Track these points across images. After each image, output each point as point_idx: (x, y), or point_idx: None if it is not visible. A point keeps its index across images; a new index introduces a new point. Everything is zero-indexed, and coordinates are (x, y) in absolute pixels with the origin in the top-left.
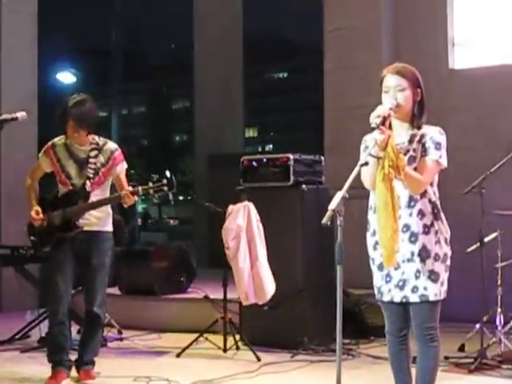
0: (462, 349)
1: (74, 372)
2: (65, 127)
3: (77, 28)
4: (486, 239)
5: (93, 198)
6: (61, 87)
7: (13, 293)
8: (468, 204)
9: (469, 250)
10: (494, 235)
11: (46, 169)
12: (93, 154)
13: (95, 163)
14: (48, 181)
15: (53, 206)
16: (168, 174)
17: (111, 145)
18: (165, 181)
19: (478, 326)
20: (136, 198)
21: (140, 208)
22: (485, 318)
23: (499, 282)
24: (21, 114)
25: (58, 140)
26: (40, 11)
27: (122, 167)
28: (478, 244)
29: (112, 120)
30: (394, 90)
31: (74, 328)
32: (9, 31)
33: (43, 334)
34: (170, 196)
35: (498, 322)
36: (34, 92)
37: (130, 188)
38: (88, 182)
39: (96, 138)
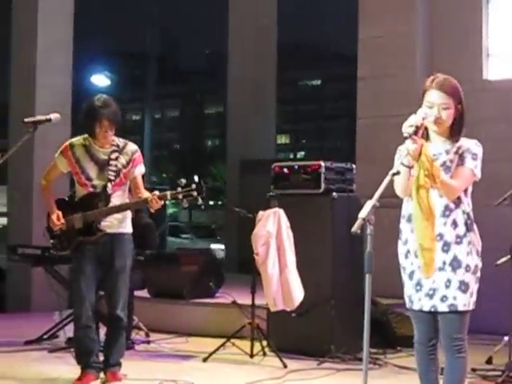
0: (489, 361)
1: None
2: (93, 128)
3: (113, 31)
4: None
5: (113, 200)
6: (95, 90)
7: (42, 293)
8: (499, 216)
9: (498, 262)
10: None
11: (63, 169)
12: (113, 156)
13: (116, 165)
14: None
15: (72, 208)
16: (197, 178)
17: (132, 146)
18: (194, 186)
19: (506, 338)
20: (162, 202)
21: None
22: None
23: None
24: (54, 116)
25: (76, 140)
26: (76, 13)
27: (140, 169)
28: (509, 256)
29: (145, 123)
30: (439, 108)
31: (103, 329)
32: (45, 32)
33: (71, 335)
34: (200, 201)
35: None
36: (68, 93)
37: (157, 192)
38: (109, 184)
39: (116, 139)
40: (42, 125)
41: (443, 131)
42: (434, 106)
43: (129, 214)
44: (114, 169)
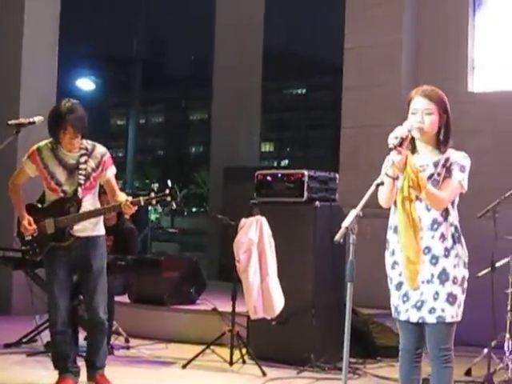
0: (468, 373)
1: (83, 376)
2: (58, 133)
3: (99, 36)
4: (498, 264)
5: (84, 204)
6: (80, 94)
7: (22, 296)
8: (481, 228)
9: (480, 274)
10: (505, 260)
11: (31, 174)
12: (82, 159)
13: (85, 169)
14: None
15: (43, 213)
16: (170, 183)
17: (100, 149)
18: (167, 191)
19: (485, 350)
20: (136, 207)
21: (153, 217)
22: (493, 343)
23: (509, 308)
24: (38, 119)
25: (44, 145)
26: (62, 17)
27: (111, 171)
28: (490, 268)
29: (129, 128)
30: (422, 113)
31: (82, 334)
32: (30, 35)
33: (50, 339)
34: (174, 206)
35: (506, 348)
36: (52, 97)
37: (130, 198)
38: (79, 189)
39: (84, 142)
40: (24, 127)
41: (428, 139)
42: (418, 111)
43: (101, 216)
44: (83, 173)
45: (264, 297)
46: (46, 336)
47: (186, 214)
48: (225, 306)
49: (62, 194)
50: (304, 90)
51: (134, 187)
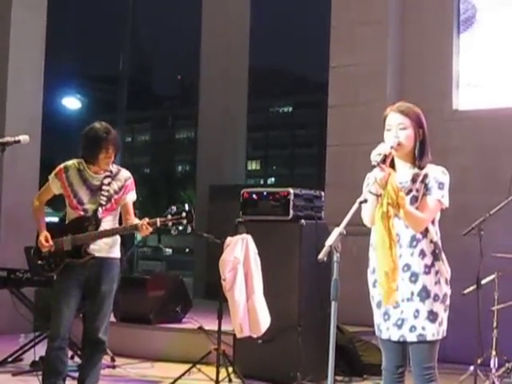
0: None
1: None
2: (97, 154)
3: (84, 55)
4: (484, 281)
5: (104, 225)
6: (66, 112)
7: (7, 315)
8: (466, 245)
9: (465, 291)
10: (491, 277)
11: (55, 191)
12: (106, 181)
13: (108, 190)
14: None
15: (61, 230)
16: (187, 207)
17: (125, 173)
18: (184, 214)
19: (471, 368)
20: (152, 228)
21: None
22: (479, 361)
23: (495, 325)
24: (23, 138)
25: (71, 164)
26: (48, 36)
27: (132, 195)
28: (475, 286)
29: None
30: (396, 128)
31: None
32: (16, 54)
33: (36, 358)
34: (189, 229)
35: (492, 365)
36: (38, 115)
37: (147, 219)
38: (100, 209)
39: (110, 166)
40: (10, 146)
41: (406, 156)
42: (392, 127)
43: (118, 239)
44: (105, 194)
45: (250, 315)
46: (31, 355)
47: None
48: (211, 325)
49: (82, 213)
50: (290, 108)
51: None
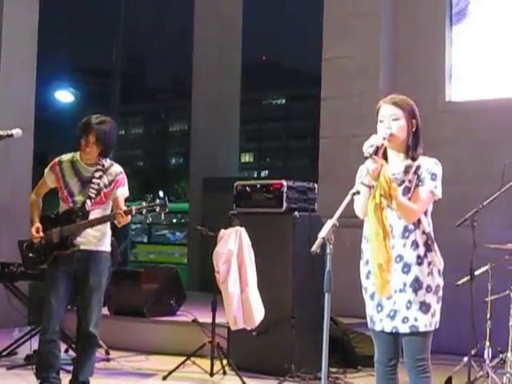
0: (449, 382)
1: None
2: (80, 140)
3: (78, 47)
4: (477, 272)
5: (92, 218)
6: (59, 105)
7: (1, 309)
8: (460, 237)
9: (459, 282)
10: (484, 268)
11: (50, 184)
12: (97, 174)
13: (98, 184)
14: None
15: (53, 223)
16: (161, 194)
17: (116, 167)
18: (158, 201)
19: (465, 359)
20: (129, 217)
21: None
22: (473, 352)
23: (488, 316)
24: (16, 131)
25: (65, 156)
26: (41, 29)
27: (122, 190)
28: (469, 277)
29: None
30: (389, 120)
31: (62, 347)
32: (8, 48)
33: (30, 352)
34: (162, 216)
35: (486, 356)
36: (31, 109)
37: (124, 207)
38: (88, 201)
39: (103, 159)
40: (3, 140)
41: (398, 147)
42: (385, 118)
43: (108, 231)
44: (95, 187)
45: (244, 307)
46: (25, 349)
47: (164, 223)
48: (205, 317)
49: (71, 205)
50: (283, 101)
51: None
